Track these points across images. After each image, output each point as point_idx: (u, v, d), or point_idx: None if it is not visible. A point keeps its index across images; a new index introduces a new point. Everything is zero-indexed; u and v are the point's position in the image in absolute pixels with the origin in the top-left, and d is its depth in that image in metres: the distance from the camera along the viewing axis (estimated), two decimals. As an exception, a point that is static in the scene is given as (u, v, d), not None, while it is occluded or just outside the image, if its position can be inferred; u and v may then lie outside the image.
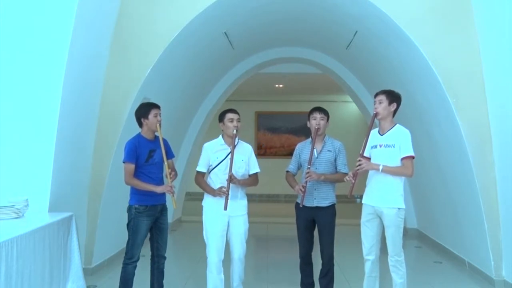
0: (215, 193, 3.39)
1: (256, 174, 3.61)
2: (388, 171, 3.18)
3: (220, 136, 3.57)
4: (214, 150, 3.51)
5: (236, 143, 3.46)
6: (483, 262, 4.41)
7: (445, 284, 4.41)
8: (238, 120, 3.50)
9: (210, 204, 3.49)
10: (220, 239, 3.44)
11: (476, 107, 4.28)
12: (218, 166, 3.47)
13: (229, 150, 3.45)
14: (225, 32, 5.34)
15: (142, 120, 3.39)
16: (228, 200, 3.31)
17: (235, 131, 3.44)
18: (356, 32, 5.17)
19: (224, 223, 3.45)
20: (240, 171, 3.48)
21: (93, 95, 4.23)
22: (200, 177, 3.55)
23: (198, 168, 3.53)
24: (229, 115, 3.50)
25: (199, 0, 4.50)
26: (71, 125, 3.78)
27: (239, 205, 3.50)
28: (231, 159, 3.37)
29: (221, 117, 3.54)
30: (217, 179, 3.46)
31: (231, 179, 3.32)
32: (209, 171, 3.54)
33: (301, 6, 5.07)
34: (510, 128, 3.87)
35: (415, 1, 4.45)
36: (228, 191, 3.31)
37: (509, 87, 3.83)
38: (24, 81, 3.50)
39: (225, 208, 3.31)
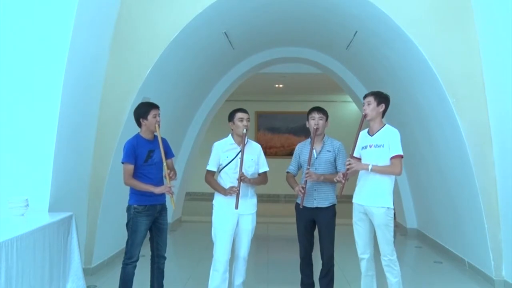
0: (226, 192, 3.40)
1: (265, 172, 3.64)
2: (377, 170, 3.21)
3: (230, 135, 3.58)
4: (224, 149, 3.52)
5: (245, 142, 3.48)
6: (483, 262, 4.41)
7: (445, 284, 4.41)
8: (248, 120, 3.52)
9: (220, 203, 3.51)
10: (229, 238, 3.46)
11: (476, 107, 4.28)
12: (228, 165, 3.48)
13: (239, 149, 3.47)
14: (225, 32, 5.34)
15: (141, 120, 3.38)
16: (239, 199, 3.34)
17: (245, 130, 3.45)
18: (356, 32, 5.17)
19: (234, 221, 3.48)
20: (250, 170, 3.50)
21: (93, 95, 4.23)
22: (211, 176, 3.56)
23: (209, 167, 3.54)
24: (239, 115, 3.50)
25: (199, 0, 4.50)
26: (71, 125, 3.78)
27: (249, 203, 3.53)
28: (242, 158, 3.39)
29: (231, 117, 3.55)
30: (227, 178, 3.48)
31: (242, 178, 3.34)
32: (219, 170, 3.55)
33: (301, 6, 5.07)
34: (510, 128, 3.87)
35: (415, 1, 4.44)
36: (239, 190, 3.34)
37: (509, 87, 3.83)
38: (24, 81, 3.49)
39: (236, 207, 3.33)
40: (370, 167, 3.21)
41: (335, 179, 3.39)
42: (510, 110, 3.84)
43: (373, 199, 3.24)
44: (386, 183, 3.25)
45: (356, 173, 3.37)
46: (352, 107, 9.85)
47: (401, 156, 3.23)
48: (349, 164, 3.24)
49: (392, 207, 3.25)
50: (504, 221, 4.11)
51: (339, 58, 6.73)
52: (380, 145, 3.26)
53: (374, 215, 3.23)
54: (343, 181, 3.27)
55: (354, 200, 3.39)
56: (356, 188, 3.41)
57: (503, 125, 4.01)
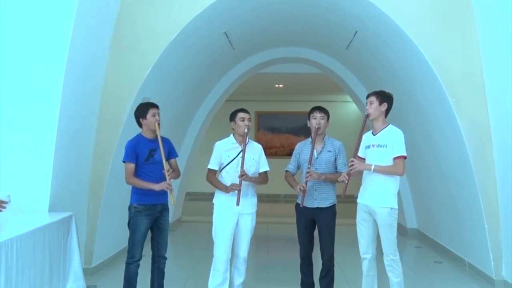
0: (227, 189, 3.42)
1: (266, 172, 3.65)
2: (380, 170, 3.21)
3: (231, 135, 3.61)
4: (225, 149, 3.55)
5: (246, 142, 3.50)
6: (483, 262, 4.41)
7: (445, 284, 4.41)
8: (249, 120, 3.55)
9: (221, 201, 3.53)
10: (229, 237, 3.48)
11: (476, 107, 4.28)
12: (230, 164, 3.51)
13: (240, 149, 3.49)
14: (225, 32, 5.34)
15: (141, 120, 3.41)
16: (240, 196, 3.36)
17: (246, 130, 3.48)
18: (356, 32, 5.17)
19: (234, 220, 3.49)
20: (250, 169, 3.52)
21: (93, 95, 4.23)
22: (212, 175, 3.58)
23: (210, 166, 3.56)
24: (241, 115, 3.53)
25: (199, 0, 4.50)
26: (71, 125, 3.78)
27: (249, 202, 3.54)
28: (243, 157, 3.41)
29: (233, 116, 3.57)
30: (228, 177, 3.50)
31: (243, 175, 3.35)
32: (220, 169, 3.58)
33: (301, 6, 5.07)
34: (510, 128, 3.87)
35: (415, 1, 4.44)
36: (240, 187, 3.36)
37: (509, 87, 3.83)
38: (24, 81, 3.50)
39: (238, 204, 3.35)
40: (372, 167, 3.21)
41: (339, 179, 3.38)
42: (510, 110, 3.84)
43: (377, 199, 3.24)
44: (391, 183, 3.25)
45: (361, 173, 3.37)
46: (352, 107, 9.85)
47: (405, 157, 3.22)
48: (352, 164, 3.23)
49: (396, 207, 3.25)
50: (504, 221, 4.11)
51: (339, 58, 6.73)
52: (383, 145, 3.25)
53: (378, 215, 3.22)
54: (346, 181, 3.26)
55: (358, 200, 3.39)
56: (361, 188, 3.40)
57: (503, 125, 4.01)
